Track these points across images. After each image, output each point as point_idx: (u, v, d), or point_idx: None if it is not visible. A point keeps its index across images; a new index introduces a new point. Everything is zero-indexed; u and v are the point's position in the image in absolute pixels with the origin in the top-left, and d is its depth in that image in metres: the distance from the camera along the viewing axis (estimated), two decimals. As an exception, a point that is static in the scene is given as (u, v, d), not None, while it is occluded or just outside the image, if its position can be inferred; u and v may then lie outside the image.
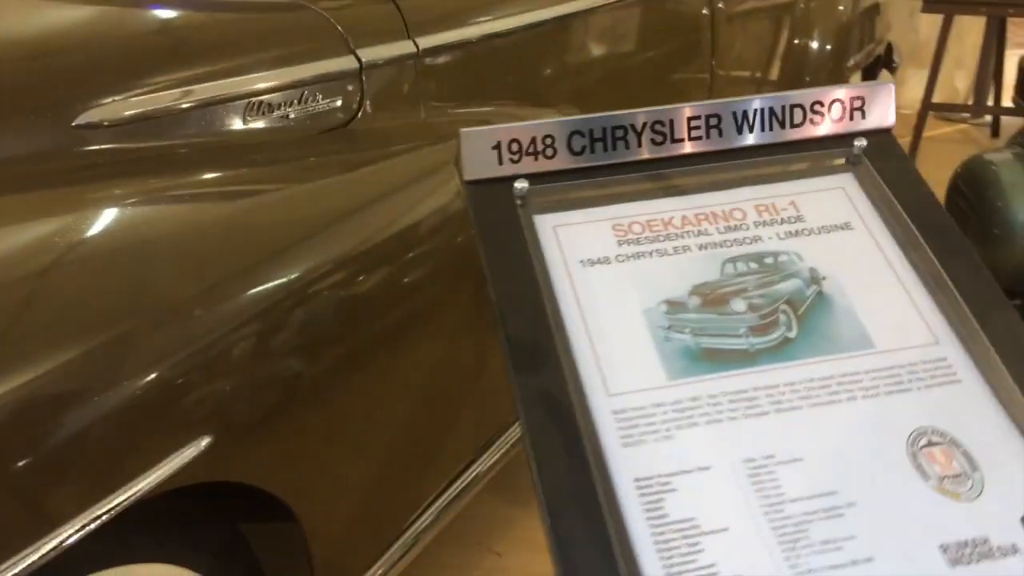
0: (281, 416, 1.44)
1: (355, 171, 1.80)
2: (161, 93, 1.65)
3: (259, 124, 1.76)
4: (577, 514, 0.80)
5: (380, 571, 1.75)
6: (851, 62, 3.89)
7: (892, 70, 4.56)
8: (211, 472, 1.34)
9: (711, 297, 0.97)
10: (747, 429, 0.87)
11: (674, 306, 0.96)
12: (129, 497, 1.21)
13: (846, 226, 1.04)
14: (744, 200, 1.06)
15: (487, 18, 2.11)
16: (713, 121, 1.08)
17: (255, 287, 1.41)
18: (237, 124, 1.75)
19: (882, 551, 0.79)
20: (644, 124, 1.07)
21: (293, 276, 1.46)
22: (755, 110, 1.09)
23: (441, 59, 2.05)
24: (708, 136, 1.08)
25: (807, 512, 0.81)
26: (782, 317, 0.96)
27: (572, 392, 0.88)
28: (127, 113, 1.61)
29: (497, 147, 1.04)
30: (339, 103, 1.89)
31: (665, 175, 1.08)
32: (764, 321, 0.95)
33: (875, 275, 1.00)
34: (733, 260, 1.01)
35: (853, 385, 0.90)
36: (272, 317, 1.40)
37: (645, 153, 1.07)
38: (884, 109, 1.11)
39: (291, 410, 1.46)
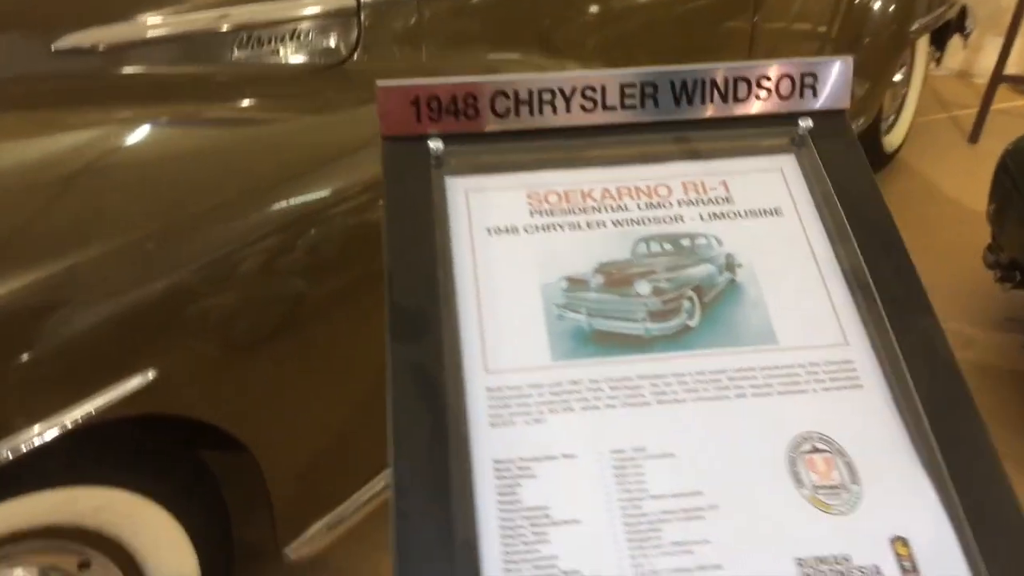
0: (241, 355, 1.44)
1: (335, 112, 1.77)
2: (146, 20, 1.63)
3: (248, 57, 1.74)
4: (424, 491, 0.78)
5: (343, 516, 1.76)
6: (917, 24, 3.69)
7: (965, 36, 4.33)
8: (159, 404, 1.36)
9: (616, 277, 0.93)
10: (623, 419, 0.83)
11: (575, 283, 0.92)
12: (71, 420, 1.23)
13: (776, 212, 0.99)
14: (672, 176, 1.01)
15: None
16: (649, 90, 1.02)
17: (222, 222, 1.40)
18: (225, 56, 1.72)
19: (733, 559, 0.75)
20: (574, 89, 1.01)
21: (270, 212, 1.45)
22: (696, 81, 1.03)
23: (449, 1, 1.99)
24: (643, 105, 1.03)
25: (665, 511, 0.78)
26: (686, 304, 0.91)
27: (447, 366, 0.85)
28: (110, 40, 1.60)
29: (416, 103, 1.00)
30: (332, 42, 1.85)
31: (592, 144, 1.03)
32: (666, 307, 0.91)
33: (795, 267, 0.94)
34: (647, 239, 0.96)
35: (745, 382, 0.86)
36: (234, 256, 1.40)
37: (573, 119, 1.02)
38: (838, 88, 1.04)
39: (254, 349, 1.47)
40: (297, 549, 1.69)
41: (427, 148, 0.99)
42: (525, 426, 0.83)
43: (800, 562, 0.76)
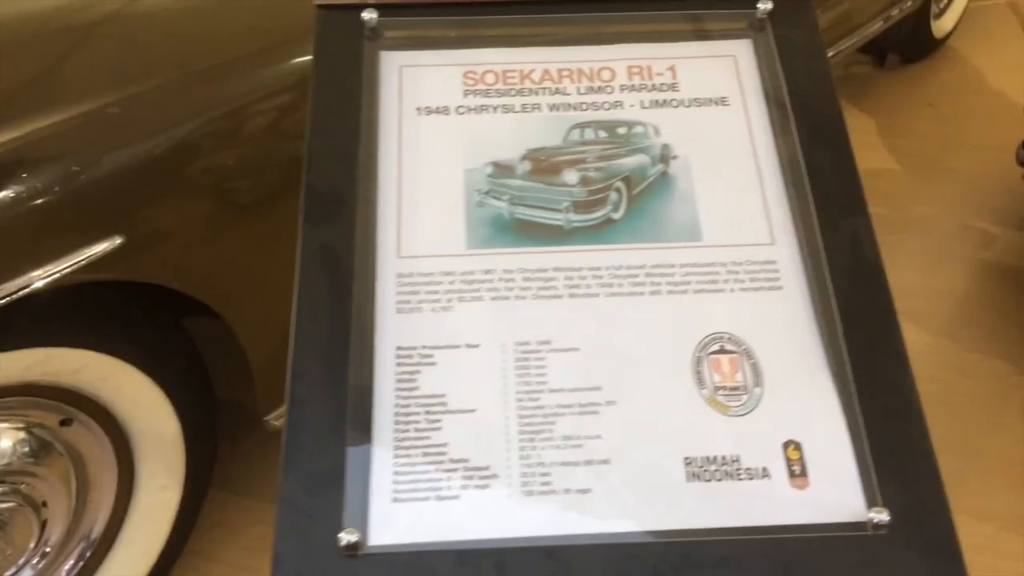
0: (213, 223, 1.44)
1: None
2: None
3: None
4: (322, 376, 0.78)
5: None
6: None
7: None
8: (127, 271, 1.37)
9: (544, 164, 0.90)
10: (532, 311, 0.82)
11: (501, 169, 0.89)
12: (39, 279, 1.25)
13: (721, 101, 0.94)
14: (618, 59, 0.96)
15: None
16: (600, -36, 0.96)
17: (205, 86, 1.38)
18: None
19: (621, 455, 0.75)
20: (519, -40, 0.96)
21: (260, 77, 1.42)
22: (650, -44, 0.96)
23: None
24: (593, -20, 0.97)
25: (562, 405, 0.78)
26: (612, 195, 0.88)
27: (358, 250, 0.84)
28: None
29: (350, -29, 0.95)
30: None
31: (537, 20, 0.98)
32: (591, 197, 0.88)
33: (733, 160, 0.90)
34: (582, 126, 0.92)
35: (662, 278, 0.84)
36: (207, 126, 1.38)
37: (518, -7, 0.97)
38: (804, -32, 0.97)
39: (227, 218, 1.47)
40: (278, 417, 1.73)
41: (360, 19, 0.95)
42: (432, 314, 0.82)
43: (688, 460, 0.75)
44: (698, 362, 0.80)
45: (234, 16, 1.53)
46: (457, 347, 0.81)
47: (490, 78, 0.95)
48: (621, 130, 0.92)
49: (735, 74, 0.95)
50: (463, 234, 0.86)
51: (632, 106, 0.93)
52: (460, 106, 0.93)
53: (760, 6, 0.96)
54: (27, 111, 1.24)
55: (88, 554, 1.55)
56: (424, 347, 0.80)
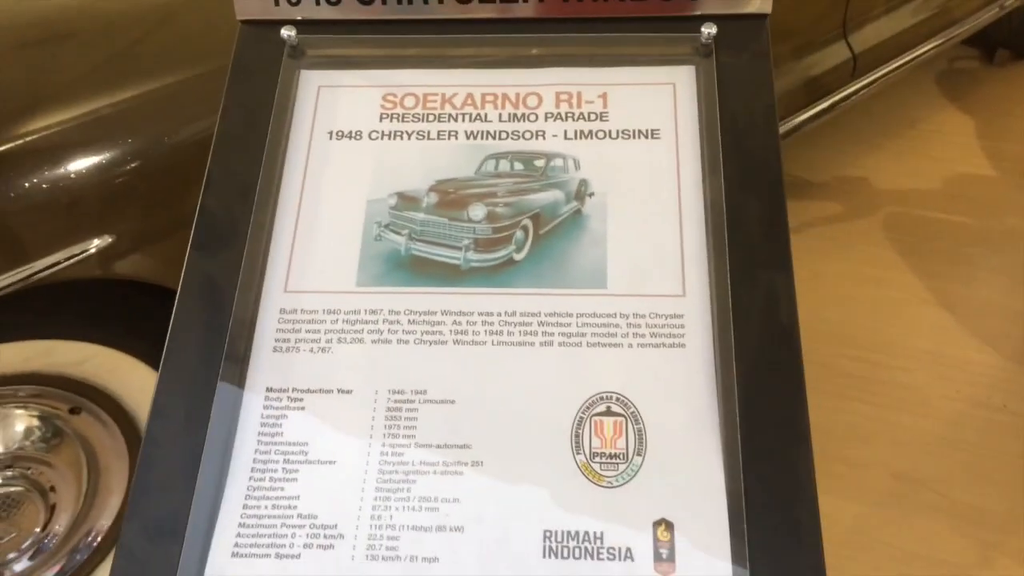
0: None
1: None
2: None
3: None
4: (183, 416, 0.75)
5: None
6: None
7: None
8: (119, 268, 1.39)
9: (451, 197, 0.85)
10: (412, 357, 0.77)
11: (406, 201, 0.85)
12: (30, 273, 1.28)
13: (652, 134, 0.87)
14: (547, 84, 0.90)
15: None
16: (533, -19, 0.90)
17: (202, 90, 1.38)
18: None
19: (477, 523, 0.70)
20: (448, -24, 0.90)
21: None
22: (587, -27, 0.89)
23: None
24: (526, -1, 0.91)
25: (425, 462, 0.73)
26: (518, 234, 0.82)
27: (243, 282, 0.81)
28: None
29: (274, -16, 0.91)
30: None
31: (463, 41, 0.92)
32: (495, 235, 0.82)
33: (654, 200, 0.83)
34: (498, 156, 0.87)
35: (556, 328, 0.78)
36: (205, 125, 1.38)
37: (447, 11, 0.91)
38: (756, -12, 0.88)
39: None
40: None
41: (280, 37, 0.91)
42: (310, 354, 0.78)
43: (548, 534, 0.70)
44: (579, 423, 0.74)
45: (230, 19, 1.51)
46: (329, 392, 0.76)
47: (409, 101, 0.90)
48: (539, 162, 0.86)
49: (671, 104, 0.87)
50: (354, 270, 0.81)
51: (555, 136, 0.87)
52: (374, 131, 0.88)
53: (705, 30, 0.88)
54: (26, 112, 1.26)
55: (97, 540, 1.58)
56: (295, 389, 0.77)
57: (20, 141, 1.24)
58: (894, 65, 2.41)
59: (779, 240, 0.77)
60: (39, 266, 1.29)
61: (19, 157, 1.24)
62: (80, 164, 1.29)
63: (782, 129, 2.26)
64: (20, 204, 1.25)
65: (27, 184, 1.25)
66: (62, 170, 1.28)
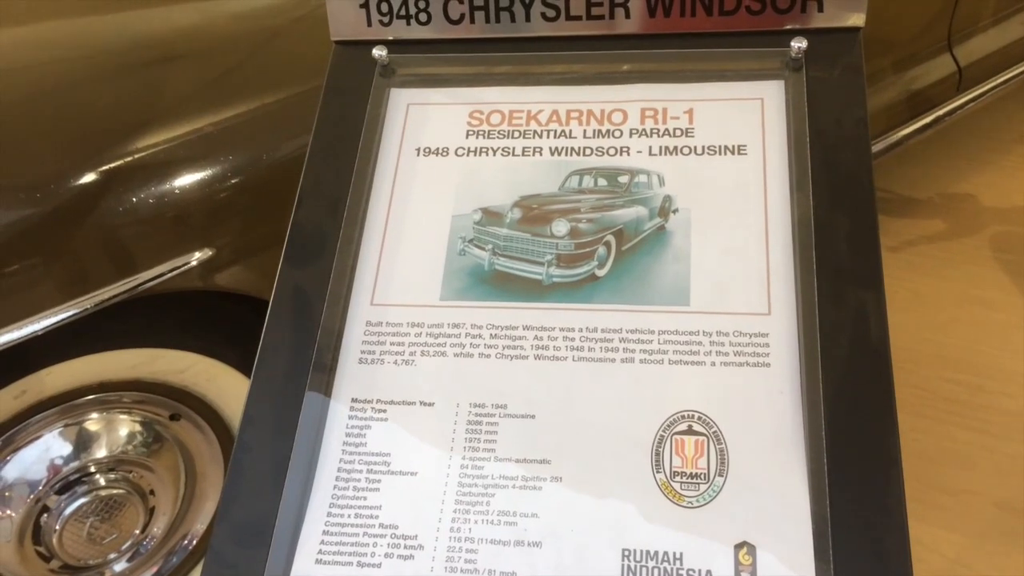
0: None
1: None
2: None
3: None
4: (273, 424, 0.78)
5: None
6: None
7: None
8: (219, 281, 1.45)
9: (535, 212, 0.85)
10: (494, 371, 0.78)
11: (491, 216, 0.86)
12: (134, 284, 1.35)
13: (739, 150, 0.85)
14: (632, 100, 0.90)
15: None
16: (619, -2, 0.90)
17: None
18: None
19: (555, 538, 0.70)
20: (534, -6, 0.91)
21: None
22: (674, -11, 0.89)
23: None
24: (612, 16, 0.91)
25: (505, 476, 0.73)
26: (600, 250, 0.82)
27: (332, 294, 0.83)
28: None
29: (366, 6, 0.94)
30: None
31: (549, 59, 0.93)
32: (577, 251, 0.83)
33: (740, 217, 0.82)
34: (581, 172, 0.87)
35: (638, 345, 0.77)
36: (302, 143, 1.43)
37: (534, 30, 0.93)
38: (850, 1, 0.87)
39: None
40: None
41: (372, 57, 0.94)
42: (394, 366, 0.80)
43: (627, 552, 0.69)
44: (660, 442, 0.73)
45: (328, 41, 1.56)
46: (412, 404, 0.78)
47: (495, 118, 0.91)
48: (622, 178, 0.86)
49: (759, 120, 0.86)
50: (439, 284, 0.83)
51: (639, 152, 0.87)
52: (460, 148, 0.90)
53: (794, 44, 0.86)
54: (135, 130, 1.32)
55: (193, 544, 1.64)
56: (379, 401, 0.78)
57: (129, 158, 1.30)
58: (1002, 79, 2.31)
59: (870, 258, 0.75)
60: (145, 277, 1.35)
61: (128, 173, 1.30)
62: (184, 180, 1.34)
63: (883, 144, 2.19)
64: (129, 218, 1.31)
65: (135, 199, 1.32)
66: (167, 186, 1.34)
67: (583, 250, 0.82)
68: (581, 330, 0.78)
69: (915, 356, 1.98)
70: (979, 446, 1.82)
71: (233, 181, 1.37)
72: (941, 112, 2.22)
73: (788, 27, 0.88)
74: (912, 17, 2.19)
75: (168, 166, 1.34)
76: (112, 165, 1.30)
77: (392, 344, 0.80)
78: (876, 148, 2.17)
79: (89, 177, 1.28)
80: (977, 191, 2.48)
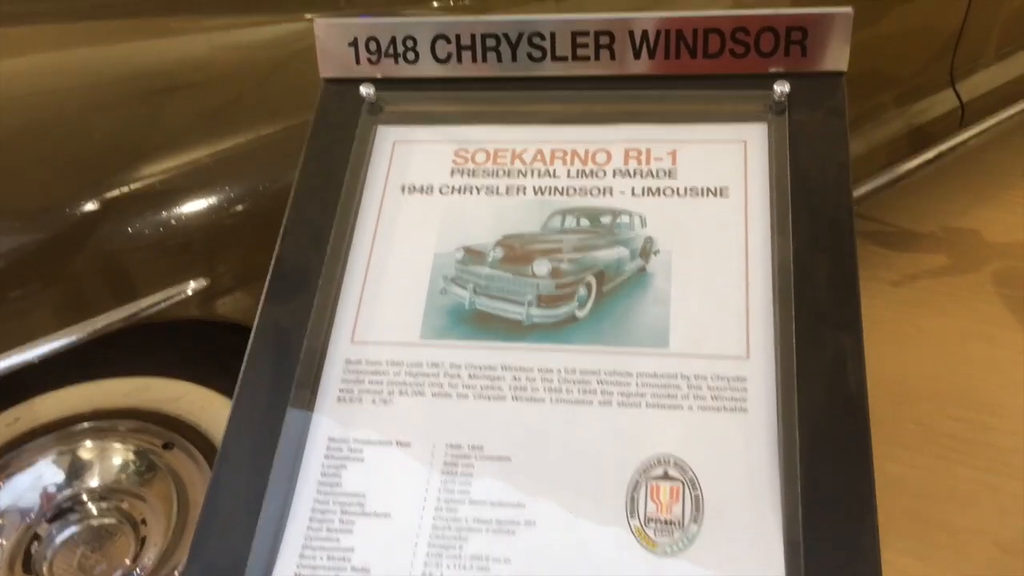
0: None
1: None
2: None
3: None
4: (248, 461, 0.78)
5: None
6: None
7: None
8: (212, 310, 1.45)
9: (516, 252, 0.85)
10: (471, 411, 0.78)
11: (472, 255, 0.86)
12: (128, 315, 1.35)
13: (721, 192, 0.86)
14: (615, 140, 0.90)
15: None
16: (604, 40, 0.91)
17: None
18: None
19: (527, 585, 0.69)
20: (520, 35, 0.92)
21: None
22: (658, 31, 0.90)
23: None
24: (597, 57, 0.92)
25: (479, 519, 0.73)
26: (581, 291, 0.82)
27: (312, 332, 0.83)
28: None
29: (354, 44, 0.95)
30: None
31: (535, 98, 0.93)
32: (558, 292, 0.83)
33: (720, 259, 0.82)
34: (564, 212, 0.87)
35: (616, 388, 0.77)
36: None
37: (520, 70, 0.93)
38: (834, 45, 0.87)
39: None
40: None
41: (358, 95, 0.94)
42: (372, 405, 0.80)
43: (597, 601, 0.68)
44: (635, 487, 0.73)
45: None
46: (388, 444, 0.78)
47: (480, 157, 0.91)
48: (605, 219, 0.86)
49: (742, 162, 0.86)
50: (419, 323, 0.83)
51: (622, 193, 0.87)
52: (445, 186, 0.90)
53: (777, 87, 0.87)
54: (135, 160, 1.33)
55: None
56: (355, 440, 0.78)
57: (127, 187, 1.31)
58: (1005, 115, 2.31)
59: (849, 303, 0.75)
60: (142, 305, 1.36)
61: (126, 202, 1.31)
62: (182, 209, 1.35)
63: (885, 178, 2.19)
64: (126, 246, 1.32)
65: (132, 228, 1.32)
66: (165, 215, 1.34)
67: (564, 291, 0.82)
68: (559, 371, 0.78)
69: (916, 392, 1.97)
70: (981, 484, 1.80)
71: (230, 211, 1.38)
72: (943, 147, 2.22)
73: (772, 70, 0.88)
74: (914, 52, 2.19)
75: (166, 195, 1.34)
76: (110, 194, 1.31)
77: (371, 383, 0.80)
78: (878, 182, 2.17)
79: (87, 206, 1.29)
80: (980, 226, 2.47)
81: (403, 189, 0.91)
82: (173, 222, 1.36)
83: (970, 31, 2.19)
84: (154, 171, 1.34)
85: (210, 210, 1.37)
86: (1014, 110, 2.34)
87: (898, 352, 2.06)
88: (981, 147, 2.34)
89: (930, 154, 2.20)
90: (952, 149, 2.25)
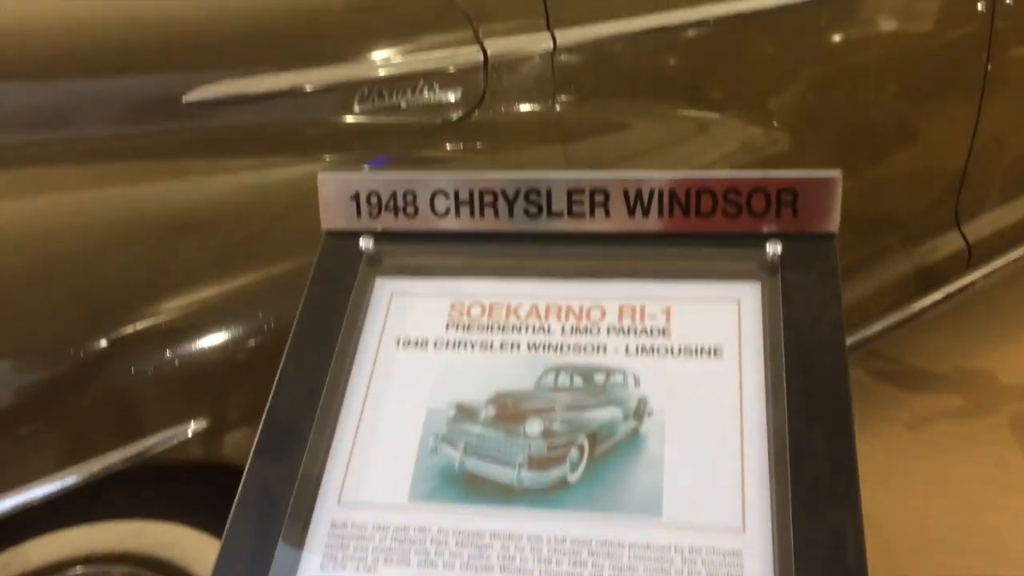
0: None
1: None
2: (274, 74, 1.71)
3: (368, 112, 1.77)
4: (223, 630, 0.75)
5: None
6: None
7: None
8: (210, 453, 1.43)
9: (509, 411, 0.84)
10: (456, 582, 0.75)
11: (464, 413, 0.85)
12: (125, 458, 1.34)
13: (715, 352, 0.85)
14: (610, 297, 0.90)
15: (649, 12, 1.90)
16: (599, 198, 0.92)
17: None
18: (345, 110, 1.76)
19: None
20: (517, 192, 0.94)
21: None
22: (652, 190, 0.91)
23: (585, 55, 1.90)
24: (592, 215, 0.93)
25: None
26: (573, 454, 0.81)
27: (299, 492, 0.81)
28: (238, 92, 1.70)
29: (355, 198, 0.97)
30: (457, 95, 1.83)
31: (531, 253, 0.94)
32: (550, 454, 0.81)
33: (715, 423, 0.80)
34: (558, 369, 0.86)
35: (607, 560, 0.74)
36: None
37: (516, 225, 0.94)
38: (823, 207, 0.88)
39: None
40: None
41: (358, 248, 0.96)
42: (355, 573, 0.77)
43: None
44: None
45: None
46: (371, 616, 0.75)
47: (476, 311, 0.92)
48: (598, 377, 0.85)
49: (736, 322, 0.86)
50: (408, 484, 0.81)
51: (615, 351, 0.86)
52: (440, 340, 0.90)
53: (769, 247, 0.87)
54: (136, 302, 1.35)
55: None
56: None
57: (133, 327, 1.31)
58: (1014, 255, 2.31)
59: (847, 475, 0.73)
60: (143, 446, 1.34)
61: (131, 343, 1.31)
62: (186, 350, 1.35)
63: (895, 318, 2.18)
64: (128, 387, 1.32)
65: (136, 369, 1.32)
66: (169, 355, 1.35)
67: (556, 452, 0.81)
68: (550, 540, 0.76)
69: (936, 543, 1.90)
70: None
71: (234, 351, 1.38)
72: (952, 289, 2.21)
73: (764, 230, 0.89)
74: (918, 194, 2.22)
75: (171, 335, 1.35)
76: (115, 334, 1.32)
77: (355, 549, 0.78)
78: (887, 323, 2.16)
79: (92, 345, 1.30)
80: (995, 366, 2.44)
81: (399, 343, 0.90)
82: (176, 362, 1.36)
83: (973, 174, 2.22)
84: (159, 311, 1.35)
85: (213, 350, 1.38)
86: (1021, 251, 2.34)
87: (916, 501, 2.00)
88: (993, 286, 2.34)
89: (938, 295, 2.19)
90: (961, 290, 2.25)
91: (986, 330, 2.55)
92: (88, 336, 1.31)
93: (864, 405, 2.29)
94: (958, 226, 2.25)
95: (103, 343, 1.32)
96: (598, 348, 0.87)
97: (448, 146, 1.81)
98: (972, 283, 2.27)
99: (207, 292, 1.39)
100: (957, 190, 2.21)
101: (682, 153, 1.90)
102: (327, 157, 1.71)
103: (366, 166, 1.74)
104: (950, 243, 2.22)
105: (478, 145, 1.85)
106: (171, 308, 1.35)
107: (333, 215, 0.97)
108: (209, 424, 1.38)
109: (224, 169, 1.61)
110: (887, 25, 2.04)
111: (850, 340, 2.07)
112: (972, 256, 2.24)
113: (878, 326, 2.16)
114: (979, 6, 2.09)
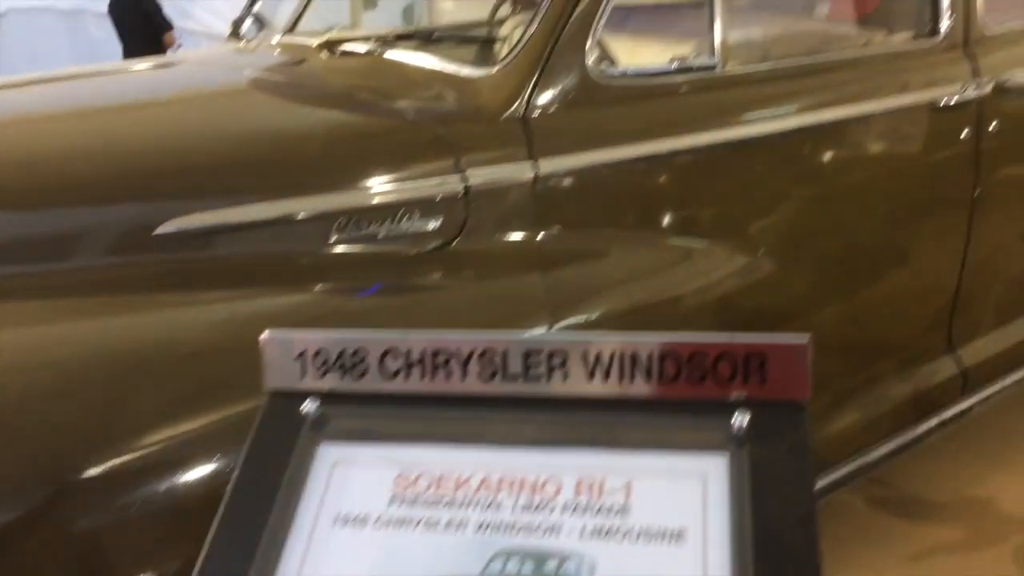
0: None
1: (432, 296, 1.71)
2: (247, 205, 1.68)
3: (345, 242, 1.73)
4: None
5: None
6: None
7: None
8: None
9: (452, 603, 0.77)
10: None
11: (403, 606, 0.77)
12: None
13: (677, 536, 0.78)
14: (568, 468, 0.84)
15: (632, 140, 1.88)
16: (557, 360, 0.87)
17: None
18: (322, 241, 1.73)
19: None
20: (471, 353, 0.89)
21: None
22: (612, 353, 0.86)
23: (567, 183, 1.87)
24: (550, 378, 0.87)
25: None
26: (521, 658, 0.73)
27: None
28: (212, 223, 1.67)
29: (301, 357, 0.92)
30: (437, 224, 1.79)
31: (485, 418, 0.89)
32: (495, 658, 0.73)
33: (674, 619, 0.73)
34: (508, 554, 0.79)
35: None
36: None
37: (470, 387, 0.89)
38: (792, 375, 0.82)
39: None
40: None
41: (301, 411, 0.90)
42: None
43: None
44: None
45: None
46: None
47: (423, 483, 0.85)
48: (551, 564, 0.78)
49: (701, 499, 0.79)
50: None
51: (570, 533, 0.79)
52: (380, 518, 0.83)
53: (736, 418, 0.81)
54: (92, 448, 1.29)
55: None
56: None
57: (82, 474, 1.26)
58: (1009, 380, 2.25)
59: None
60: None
61: (84, 489, 1.25)
62: (137, 497, 1.29)
63: (892, 445, 2.10)
64: (81, 536, 1.26)
65: (88, 518, 1.27)
66: (124, 501, 1.29)
67: (502, 656, 0.73)
68: None
69: None
70: None
71: (190, 500, 1.32)
72: (948, 415, 2.15)
73: (733, 397, 0.83)
74: (910, 319, 2.17)
75: (121, 484, 1.29)
76: (68, 480, 1.26)
77: None
78: (884, 449, 2.09)
79: (41, 493, 1.24)
80: (997, 493, 2.35)
81: (335, 520, 0.84)
82: (131, 510, 1.30)
83: (966, 297, 2.18)
84: (111, 456, 1.29)
85: (164, 498, 1.31)
86: (1017, 376, 2.28)
87: None
88: (991, 412, 2.27)
89: (933, 422, 2.13)
90: (957, 416, 2.19)
91: (986, 457, 2.47)
92: (40, 482, 1.27)
93: (864, 537, 2.19)
94: (952, 351, 2.20)
95: (49, 492, 1.27)
96: (551, 529, 0.80)
97: (426, 276, 1.77)
98: (969, 408, 2.20)
99: (164, 434, 1.34)
100: (950, 314, 2.17)
101: (667, 281, 1.86)
102: (312, 287, 1.67)
103: (357, 295, 1.70)
104: (945, 368, 2.17)
105: (457, 275, 1.81)
106: (122, 455, 1.30)
107: (277, 375, 0.92)
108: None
109: (195, 302, 1.57)
110: (873, 150, 2.03)
111: (847, 468, 2.00)
112: (967, 381, 2.18)
113: (875, 453, 2.09)
114: (965, 130, 2.08)
